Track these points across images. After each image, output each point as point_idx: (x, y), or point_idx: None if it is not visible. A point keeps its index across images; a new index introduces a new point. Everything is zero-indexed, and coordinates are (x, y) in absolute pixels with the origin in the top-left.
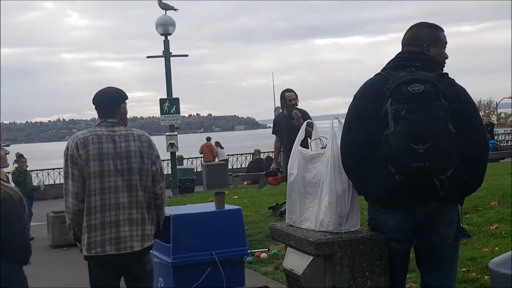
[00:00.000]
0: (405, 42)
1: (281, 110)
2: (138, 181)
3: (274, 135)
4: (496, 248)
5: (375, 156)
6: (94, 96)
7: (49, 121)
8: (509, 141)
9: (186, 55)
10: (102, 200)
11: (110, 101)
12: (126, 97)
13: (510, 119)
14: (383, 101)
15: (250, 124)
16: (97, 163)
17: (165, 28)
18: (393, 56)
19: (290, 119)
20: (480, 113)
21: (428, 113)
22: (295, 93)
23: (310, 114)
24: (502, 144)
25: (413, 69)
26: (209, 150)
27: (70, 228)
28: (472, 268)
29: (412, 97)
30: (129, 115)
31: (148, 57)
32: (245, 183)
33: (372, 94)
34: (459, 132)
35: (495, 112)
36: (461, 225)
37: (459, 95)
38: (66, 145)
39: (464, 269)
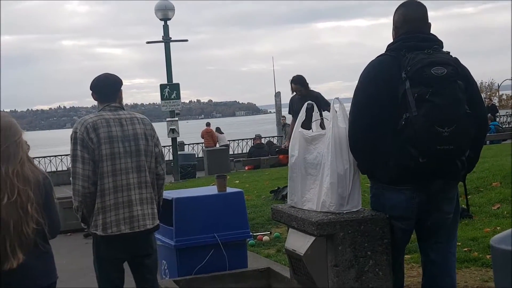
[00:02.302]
0: (408, 20)
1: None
2: (145, 162)
3: (274, 120)
4: (498, 228)
5: (387, 138)
6: (93, 82)
7: (50, 108)
8: (511, 123)
9: (186, 40)
10: (114, 182)
11: (110, 86)
12: (122, 83)
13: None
14: (398, 83)
15: (251, 109)
16: (108, 146)
17: (164, 13)
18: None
19: (302, 101)
20: (482, 94)
21: (451, 96)
22: (300, 82)
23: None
24: (504, 126)
25: (430, 50)
26: (209, 136)
27: (78, 210)
28: (474, 248)
29: (436, 80)
30: (130, 101)
31: (148, 42)
32: (246, 168)
33: (382, 74)
34: None
35: (497, 94)
36: (467, 203)
37: (467, 74)
38: (73, 130)
39: (466, 249)
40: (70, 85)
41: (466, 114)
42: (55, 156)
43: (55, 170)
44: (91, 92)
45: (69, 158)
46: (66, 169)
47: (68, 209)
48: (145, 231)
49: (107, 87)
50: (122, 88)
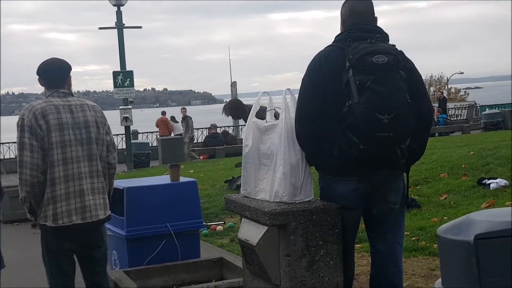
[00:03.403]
0: (354, 12)
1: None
2: (97, 151)
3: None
4: (445, 218)
5: (331, 127)
6: (40, 66)
7: None
8: (459, 116)
9: (140, 27)
10: (65, 171)
11: (59, 71)
12: (71, 68)
13: (459, 93)
14: (342, 72)
15: (207, 99)
16: (58, 133)
17: None
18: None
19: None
20: (431, 88)
21: (391, 84)
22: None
23: (268, 89)
24: (452, 119)
25: (373, 40)
26: (164, 125)
27: (25, 201)
28: (422, 237)
29: (377, 68)
30: (83, 88)
31: (100, 28)
32: (201, 157)
33: (328, 64)
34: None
35: (446, 87)
36: (407, 194)
37: (411, 67)
38: (20, 116)
39: (414, 238)
40: (19, 71)
41: (407, 103)
42: (2, 143)
43: (1, 158)
44: (38, 77)
45: (16, 146)
46: (14, 157)
47: (15, 198)
48: (97, 221)
49: (55, 72)
50: (71, 73)
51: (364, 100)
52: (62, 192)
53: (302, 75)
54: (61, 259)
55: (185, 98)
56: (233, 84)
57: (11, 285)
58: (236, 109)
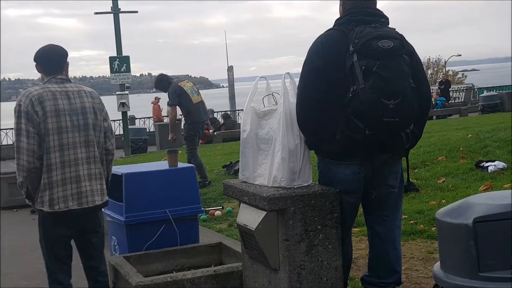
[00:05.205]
0: None
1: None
2: (94, 137)
3: (227, 95)
4: (443, 201)
5: (333, 111)
6: (38, 53)
7: None
8: (457, 98)
9: (136, 12)
10: (61, 157)
11: (56, 58)
12: (68, 54)
13: (457, 76)
14: (345, 56)
15: (203, 83)
16: (55, 120)
17: None
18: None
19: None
20: (429, 71)
21: (397, 69)
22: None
23: (264, 73)
24: (450, 101)
25: (378, 24)
26: (160, 110)
27: (22, 186)
28: (420, 221)
29: (383, 53)
30: (79, 74)
31: (96, 13)
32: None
33: (331, 48)
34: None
35: (443, 70)
36: (408, 178)
37: (412, 51)
38: (17, 102)
39: (412, 222)
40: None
41: (411, 88)
42: (2, 129)
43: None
44: (35, 63)
45: (13, 132)
46: (11, 143)
47: (13, 184)
48: (94, 207)
49: (52, 59)
50: (68, 60)
51: (370, 85)
52: (59, 178)
53: (299, 59)
54: (57, 244)
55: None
56: (230, 69)
57: (12, 270)
58: (161, 82)
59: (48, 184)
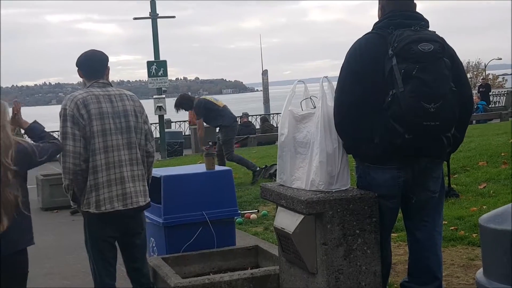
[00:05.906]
0: None
1: None
2: (136, 139)
3: (261, 98)
4: (484, 207)
5: (371, 115)
6: (80, 58)
7: (35, 84)
8: (497, 103)
9: (173, 17)
10: (106, 159)
11: (98, 63)
12: (108, 59)
13: (497, 80)
14: (384, 60)
15: (238, 87)
16: (99, 122)
17: None
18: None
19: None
20: (468, 74)
21: (438, 72)
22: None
23: (299, 77)
24: (490, 106)
25: (417, 27)
26: (192, 115)
27: (68, 189)
28: (461, 227)
29: (423, 56)
30: (117, 78)
31: (135, 18)
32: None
33: (369, 52)
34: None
35: (483, 74)
36: (449, 183)
37: (453, 54)
38: (62, 106)
39: (452, 228)
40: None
41: (452, 91)
42: None
43: None
44: (77, 68)
45: (55, 135)
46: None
47: (54, 186)
48: (138, 208)
49: (94, 64)
50: (108, 64)
51: (410, 89)
52: (104, 179)
53: (334, 62)
54: (103, 245)
55: (217, 87)
56: (264, 73)
57: (51, 271)
58: (183, 100)
59: (94, 186)
